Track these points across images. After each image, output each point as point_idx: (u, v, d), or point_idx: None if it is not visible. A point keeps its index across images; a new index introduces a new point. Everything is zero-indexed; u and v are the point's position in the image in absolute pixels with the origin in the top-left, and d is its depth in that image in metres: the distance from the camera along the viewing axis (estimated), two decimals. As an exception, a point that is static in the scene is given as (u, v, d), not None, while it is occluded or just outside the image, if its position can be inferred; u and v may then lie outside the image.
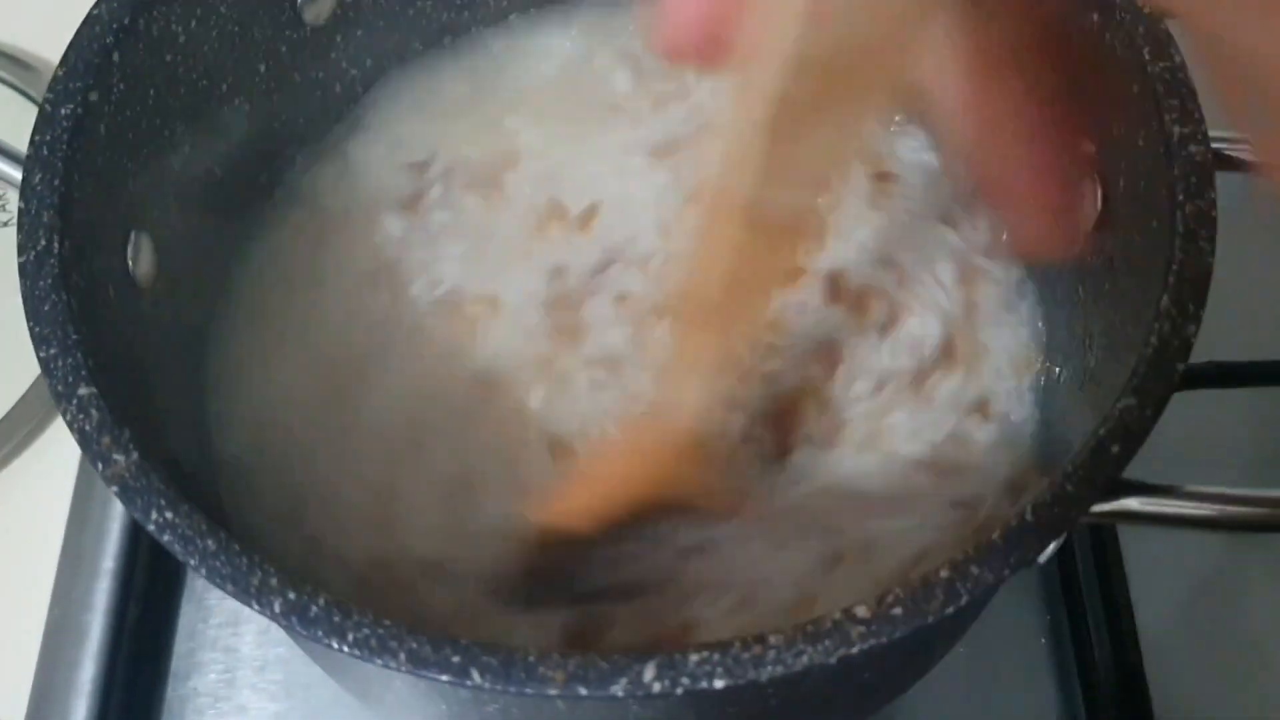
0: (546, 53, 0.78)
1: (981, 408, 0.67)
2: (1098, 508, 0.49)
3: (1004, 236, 0.69)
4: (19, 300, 0.52)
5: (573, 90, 0.77)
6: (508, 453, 0.65)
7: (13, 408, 0.84)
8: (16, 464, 0.84)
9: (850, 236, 0.70)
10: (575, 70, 0.78)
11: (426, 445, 0.66)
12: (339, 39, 0.73)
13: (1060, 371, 0.67)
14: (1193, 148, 0.54)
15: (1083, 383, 0.63)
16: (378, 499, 0.64)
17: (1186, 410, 0.57)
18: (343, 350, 0.69)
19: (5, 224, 0.91)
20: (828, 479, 0.64)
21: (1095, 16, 0.60)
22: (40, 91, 0.92)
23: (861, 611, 0.44)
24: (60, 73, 0.57)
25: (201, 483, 0.62)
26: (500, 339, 0.68)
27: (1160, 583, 0.73)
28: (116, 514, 0.79)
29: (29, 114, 0.91)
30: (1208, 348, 0.53)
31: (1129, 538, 0.73)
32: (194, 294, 0.67)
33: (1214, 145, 0.55)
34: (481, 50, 0.78)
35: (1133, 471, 0.48)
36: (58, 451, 0.83)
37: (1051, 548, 0.49)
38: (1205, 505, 0.51)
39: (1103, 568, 0.71)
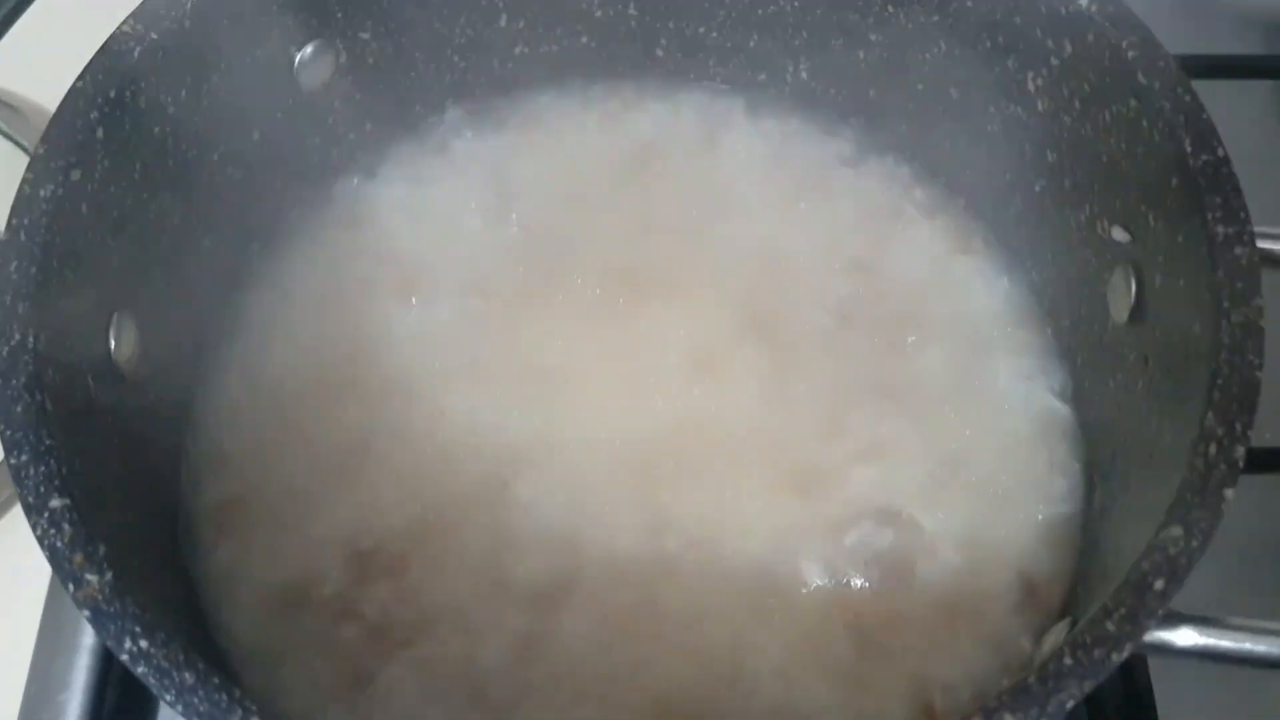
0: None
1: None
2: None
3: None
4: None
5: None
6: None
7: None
8: (-4, 529, 0.80)
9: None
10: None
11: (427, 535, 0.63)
12: (336, 104, 0.70)
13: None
14: (1238, 249, 0.51)
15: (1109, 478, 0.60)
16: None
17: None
18: (336, 433, 0.66)
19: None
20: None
21: (1133, 102, 0.57)
22: (29, 139, 0.89)
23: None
24: (41, 150, 0.54)
25: (178, 581, 0.59)
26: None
27: (1191, 709, 0.69)
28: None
29: (14, 159, 0.90)
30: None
31: (1159, 664, 0.69)
32: (177, 372, 0.65)
33: (1260, 245, 0.52)
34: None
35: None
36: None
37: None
38: (1258, 640, 0.47)
39: (1132, 697, 0.67)
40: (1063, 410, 0.66)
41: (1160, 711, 0.65)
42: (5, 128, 0.93)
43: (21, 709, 0.72)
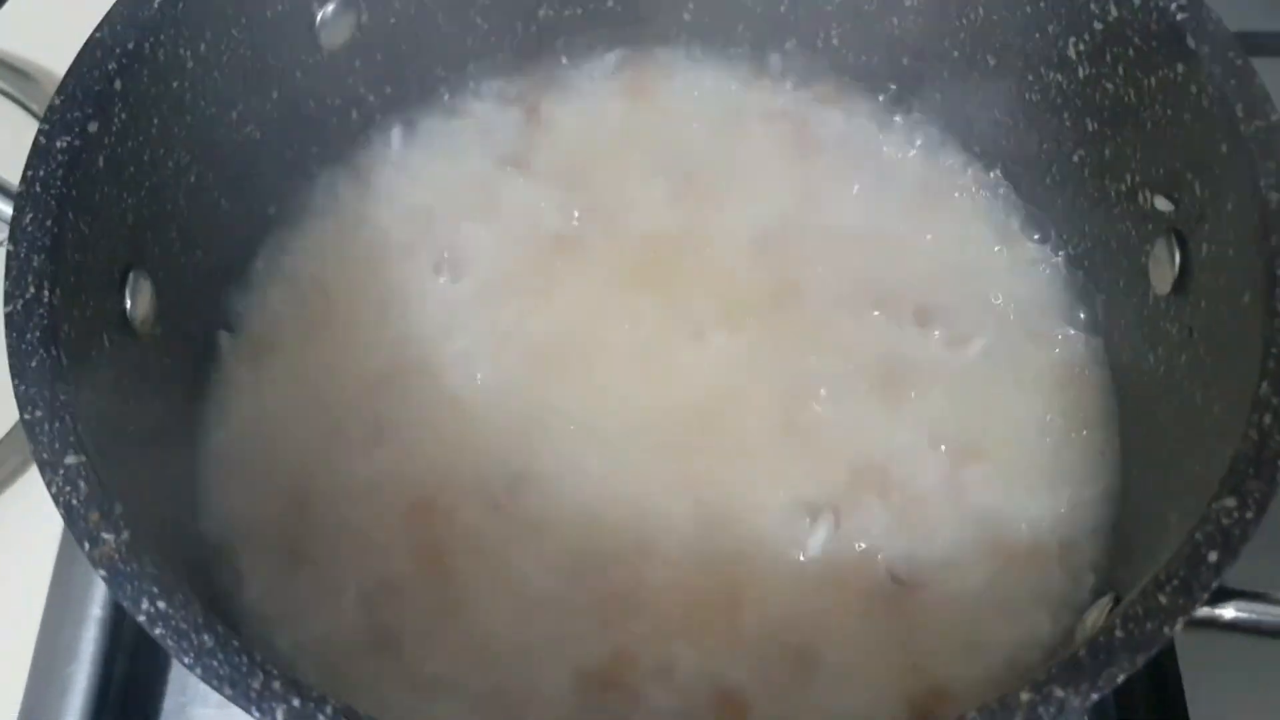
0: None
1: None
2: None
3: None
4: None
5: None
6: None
7: (7, 434, 0.79)
8: (5, 497, 0.79)
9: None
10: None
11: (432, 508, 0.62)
12: (357, 64, 0.68)
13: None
14: (1293, 218, 0.50)
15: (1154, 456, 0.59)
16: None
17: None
18: (352, 393, 0.64)
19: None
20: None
21: (1181, 67, 0.55)
22: (40, 103, 0.88)
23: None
24: (57, 101, 0.53)
25: (195, 544, 0.58)
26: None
27: (1220, 693, 0.67)
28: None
29: (28, 127, 0.88)
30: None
31: (1187, 650, 0.66)
32: (192, 334, 0.63)
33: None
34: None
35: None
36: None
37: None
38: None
39: (1159, 684, 0.65)
40: (1101, 383, 0.65)
41: (1187, 690, 0.64)
42: (17, 94, 0.92)
43: (29, 681, 0.71)
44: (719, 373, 0.65)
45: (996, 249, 0.70)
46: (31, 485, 0.79)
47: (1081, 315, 0.67)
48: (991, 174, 0.71)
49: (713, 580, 0.59)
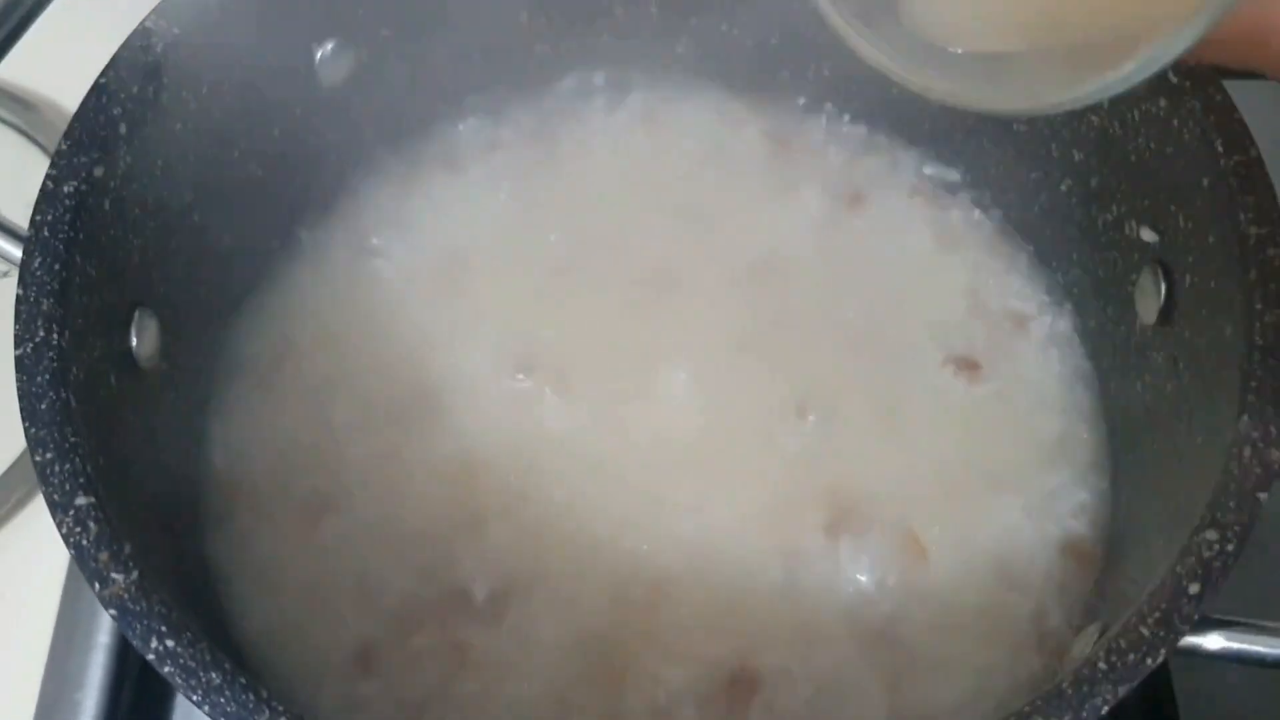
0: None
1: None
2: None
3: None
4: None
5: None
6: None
7: (11, 465, 0.80)
8: (10, 527, 0.80)
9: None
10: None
11: (444, 537, 0.62)
12: (356, 101, 0.69)
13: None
14: (1271, 250, 0.51)
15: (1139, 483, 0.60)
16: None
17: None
18: (359, 431, 0.65)
19: (4, 274, 0.87)
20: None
21: (1162, 102, 0.56)
22: (43, 134, 0.89)
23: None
24: (64, 146, 0.54)
25: (198, 577, 0.59)
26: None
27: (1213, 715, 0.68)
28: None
29: (32, 157, 0.89)
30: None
31: (1181, 667, 0.67)
32: (198, 368, 0.64)
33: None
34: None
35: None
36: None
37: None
38: (1289, 642, 0.47)
39: (1154, 702, 0.66)
40: (1087, 412, 0.65)
41: (1181, 713, 0.65)
42: (24, 126, 0.92)
43: (38, 708, 0.72)
44: (710, 401, 0.66)
45: (981, 271, 0.70)
46: (39, 513, 0.79)
47: (1072, 343, 0.68)
48: (980, 199, 0.72)
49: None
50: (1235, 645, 0.47)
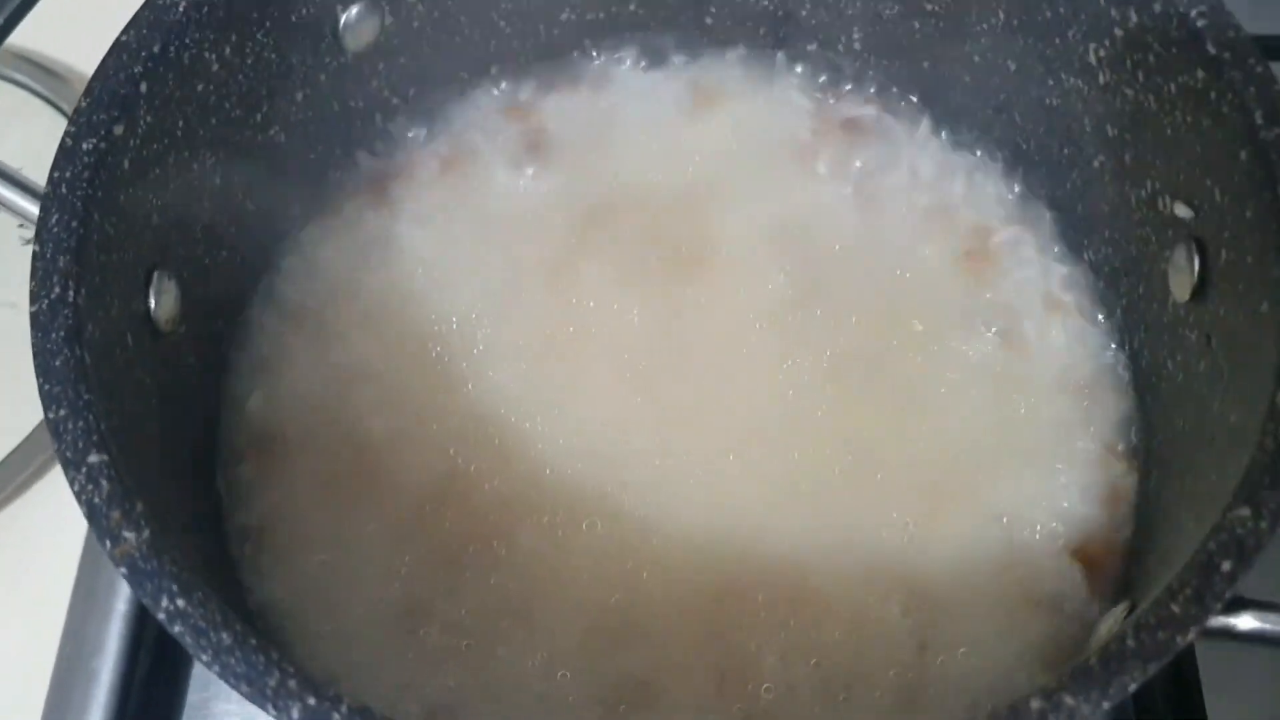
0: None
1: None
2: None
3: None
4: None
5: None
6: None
7: (31, 432, 0.80)
8: (29, 495, 0.80)
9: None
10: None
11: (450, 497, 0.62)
12: (381, 67, 0.69)
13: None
14: (1311, 224, 0.50)
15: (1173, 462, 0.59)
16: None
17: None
18: (372, 402, 0.65)
19: (26, 242, 0.87)
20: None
21: (1201, 74, 0.55)
22: (70, 103, 0.89)
23: (944, 743, 0.40)
24: (84, 104, 0.54)
25: (214, 540, 0.59)
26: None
27: (1240, 700, 0.67)
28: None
29: (58, 125, 0.89)
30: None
31: (1208, 656, 0.66)
32: (218, 332, 0.64)
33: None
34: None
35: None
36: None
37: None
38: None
39: (1180, 685, 0.65)
40: (1120, 389, 0.64)
41: (1207, 698, 0.64)
42: (48, 93, 0.92)
43: (54, 674, 0.72)
44: (728, 377, 0.66)
45: (1011, 248, 0.69)
46: (58, 481, 0.79)
47: (1101, 319, 0.67)
48: (1013, 175, 0.71)
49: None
50: (1267, 626, 0.46)
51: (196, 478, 0.61)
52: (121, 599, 0.75)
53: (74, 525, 0.77)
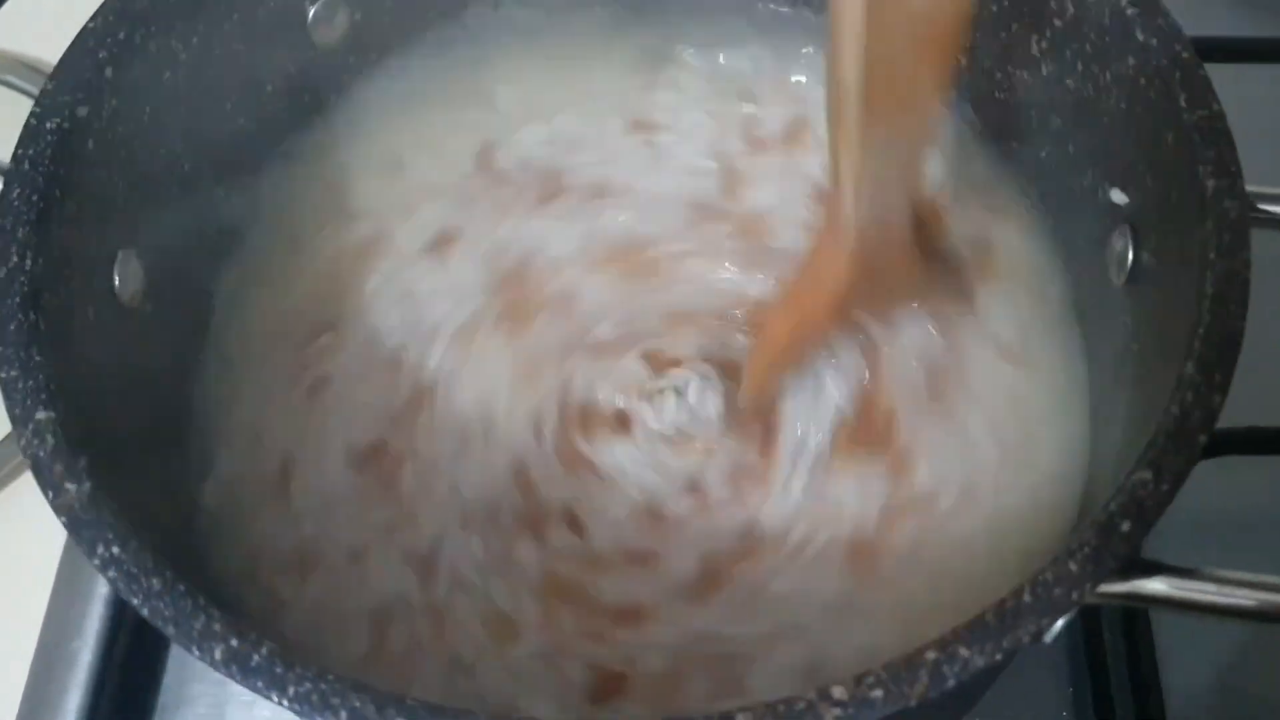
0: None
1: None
2: (1109, 588, 0.45)
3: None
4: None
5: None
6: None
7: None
8: (15, 484, 0.81)
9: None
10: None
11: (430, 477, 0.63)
12: (351, 60, 0.71)
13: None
14: (1227, 203, 0.51)
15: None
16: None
17: (1214, 478, 0.54)
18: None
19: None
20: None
21: (1131, 60, 0.56)
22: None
23: (838, 693, 0.41)
24: (49, 86, 0.56)
25: (178, 523, 0.60)
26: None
27: (1194, 664, 0.68)
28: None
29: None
30: (1242, 410, 0.50)
31: (1164, 622, 0.68)
32: (184, 309, 0.65)
33: (1253, 202, 0.51)
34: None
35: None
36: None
37: (1058, 626, 0.45)
38: (1237, 592, 0.46)
39: (1132, 644, 0.66)
40: (1075, 371, 0.65)
41: (1161, 665, 0.65)
42: (32, 90, 0.94)
43: (35, 656, 0.74)
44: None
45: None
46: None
47: (1059, 309, 0.68)
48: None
49: None
50: (1177, 592, 0.46)
51: (164, 450, 0.62)
52: (102, 584, 0.76)
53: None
